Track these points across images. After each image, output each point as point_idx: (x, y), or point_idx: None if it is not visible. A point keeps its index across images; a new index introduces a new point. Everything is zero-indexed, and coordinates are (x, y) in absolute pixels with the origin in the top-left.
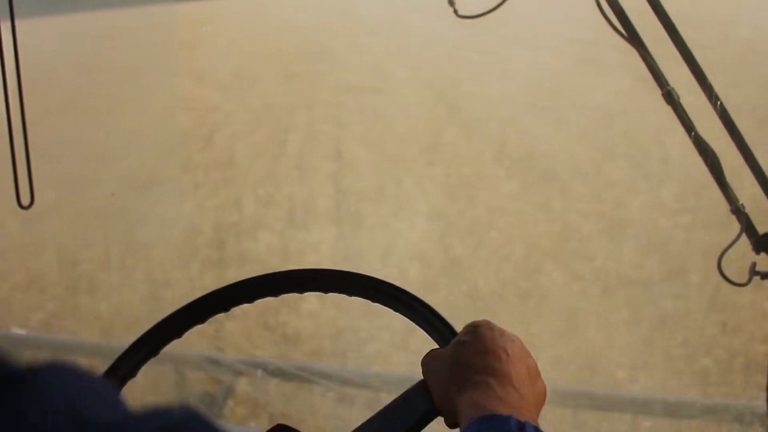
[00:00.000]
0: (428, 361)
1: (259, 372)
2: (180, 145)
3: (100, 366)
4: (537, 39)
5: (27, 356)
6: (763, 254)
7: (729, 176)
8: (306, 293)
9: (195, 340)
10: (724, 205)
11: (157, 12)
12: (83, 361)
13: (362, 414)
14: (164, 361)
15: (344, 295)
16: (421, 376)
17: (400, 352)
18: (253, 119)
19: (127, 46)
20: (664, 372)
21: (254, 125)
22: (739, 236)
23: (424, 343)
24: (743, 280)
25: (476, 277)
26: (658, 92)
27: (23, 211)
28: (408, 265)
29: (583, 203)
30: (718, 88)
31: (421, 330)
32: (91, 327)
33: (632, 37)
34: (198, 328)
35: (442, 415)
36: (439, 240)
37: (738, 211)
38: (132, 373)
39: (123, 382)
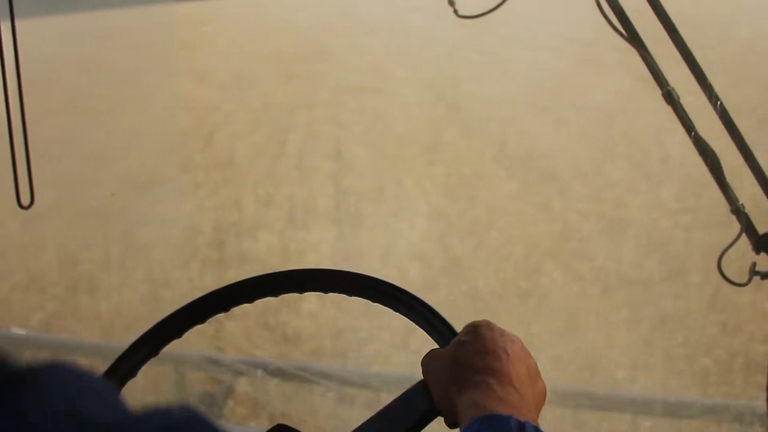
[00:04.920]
0: (428, 361)
1: (259, 372)
2: (180, 145)
3: (100, 366)
4: (537, 39)
5: (27, 356)
6: (763, 254)
7: (729, 176)
8: (306, 293)
9: (195, 340)
10: (724, 205)
11: (157, 12)
12: (83, 361)
13: (362, 414)
14: (164, 361)
15: (344, 295)
16: (421, 376)
17: (400, 352)
18: (253, 119)
19: (127, 46)
20: (664, 372)
21: (254, 125)
22: (739, 236)
23: (424, 343)
24: (743, 280)
25: (476, 277)
26: (658, 92)
27: (23, 211)
28: (408, 265)
29: (583, 203)
30: (718, 88)
31: (421, 330)
32: (91, 327)
33: (632, 37)
34: (198, 328)
35: (442, 415)
36: (439, 240)
37: (738, 211)
38: (132, 373)
39: (123, 382)
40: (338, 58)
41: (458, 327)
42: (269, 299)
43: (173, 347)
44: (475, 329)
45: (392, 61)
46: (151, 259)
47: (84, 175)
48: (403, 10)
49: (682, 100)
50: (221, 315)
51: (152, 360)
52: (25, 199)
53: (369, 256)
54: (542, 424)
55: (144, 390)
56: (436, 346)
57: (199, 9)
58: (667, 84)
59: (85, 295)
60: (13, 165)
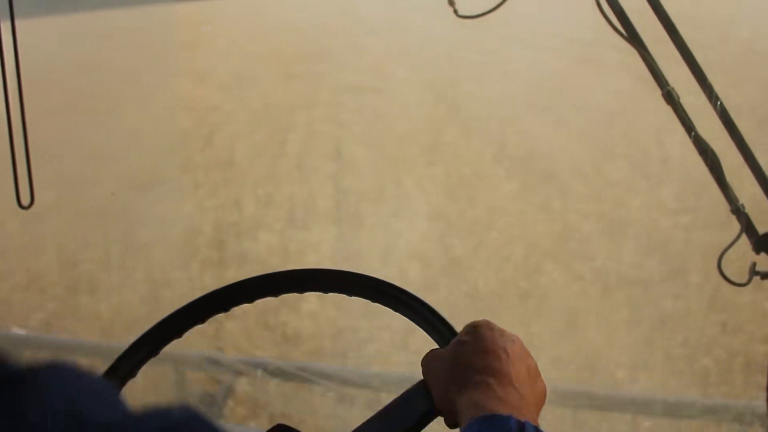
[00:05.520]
0: (428, 361)
1: (259, 372)
2: (180, 145)
3: (100, 366)
4: (537, 39)
5: (27, 356)
6: (763, 254)
7: (729, 176)
8: (306, 293)
9: (195, 340)
10: (724, 205)
11: (157, 12)
12: (83, 361)
13: (362, 414)
14: (164, 361)
15: (344, 295)
16: (421, 376)
17: (400, 352)
18: (253, 119)
19: (127, 46)
20: (664, 372)
21: (254, 125)
22: (739, 236)
23: (424, 343)
24: (743, 280)
25: (476, 277)
26: (658, 92)
27: (23, 211)
28: (408, 265)
29: (583, 203)
30: (718, 88)
31: (421, 330)
32: (91, 327)
33: (632, 37)
34: (198, 328)
35: (442, 415)
36: (439, 240)
37: (738, 211)
38: (132, 373)
39: (123, 382)
40: (338, 58)
41: (458, 327)
42: (269, 299)
43: (173, 347)
44: (475, 329)
45: (392, 61)
46: (151, 259)
47: (84, 175)
48: (403, 10)
49: (682, 100)
50: (221, 315)
51: (152, 360)
52: (25, 199)
53: (369, 256)
54: (542, 424)
55: (144, 390)
56: (436, 346)
57: (199, 9)
58: (667, 84)
59: (85, 295)
60: (13, 165)
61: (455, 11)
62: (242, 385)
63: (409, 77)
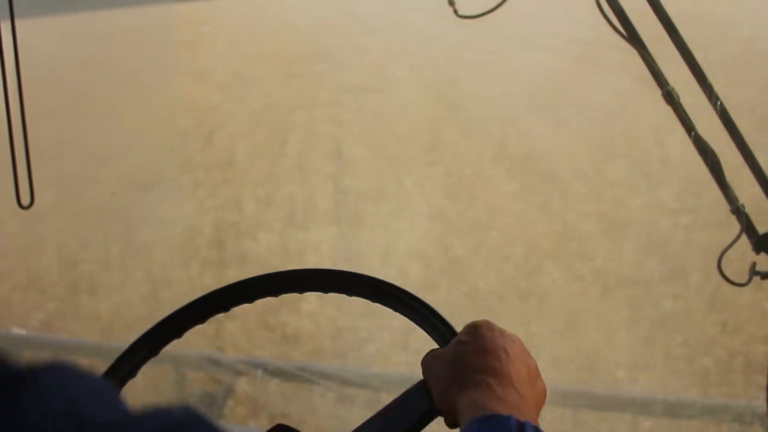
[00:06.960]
0: (428, 361)
1: (259, 372)
2: (180, 145)
3: (100, 366)
4: (537, 39)
5: (27, 356)
6: (763, 254)
7: (729, 176)
8: (306, 293)
9: (195, 340)
10: (724, 205)
11: (157, 12)
12: (83, 361)
13: (362, 414)
14: (164, 361)
15: (344, 295)
16: (421, 376)
17: (400, 352)
18: (253, 119)
19: (127, 46)
20: (664, 372)
21: (254, 125)
22: (739, 236)
23: (424, 343)
24: (743, 280)
25: (476, 277)
26: (658, 92)
27: (23, 211)
28: (408, 265)
29: (583, 203)
30: (718, 88)
31: (421, 330)
32: (91, 327)
33: (632, 37)
34: (198, 328)
35: (442, 415)
36: (439, 240)
37: (738, 211)
38: (132, 373)
39: (123, 382)
40: (338, 58)
41: (458, 327)
42: (269, 299)
43: (173, 347)
44: (475, 329)
45: (392, 61)
46: (151, 259)
47: (84, 175)
48: (403, 10)
49: (682, 100)
50: (221, 315)
51: (152, 360)
52: (25, 199)
53: (369, 256)
54: (542, 424)
55: (144, 390)
56: (436, 346)
57: (199, 9)
58: (667, 84)
59: (85, 295)
60: (13, 165)
61: (455, 11)
62: (242, 385)
63: (409, 77)
